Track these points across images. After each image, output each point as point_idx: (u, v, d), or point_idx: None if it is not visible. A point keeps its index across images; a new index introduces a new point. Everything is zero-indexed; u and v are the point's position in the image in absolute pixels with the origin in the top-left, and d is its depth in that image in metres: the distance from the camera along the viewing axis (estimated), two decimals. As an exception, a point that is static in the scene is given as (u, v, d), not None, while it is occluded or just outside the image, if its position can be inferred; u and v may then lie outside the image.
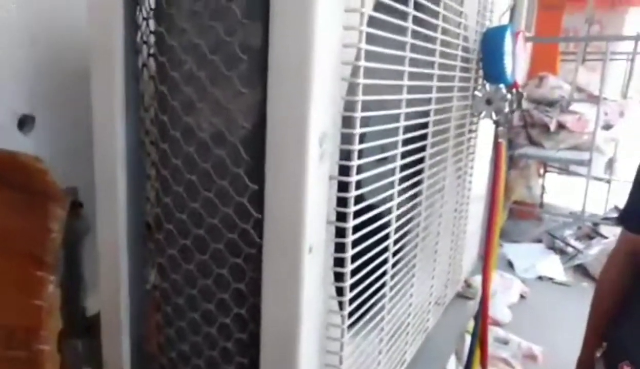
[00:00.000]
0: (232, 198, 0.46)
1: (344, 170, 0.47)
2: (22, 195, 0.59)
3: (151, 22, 0.53)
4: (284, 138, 0.42)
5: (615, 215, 3.94)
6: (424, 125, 0.66)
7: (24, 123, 0.72)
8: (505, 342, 2.41)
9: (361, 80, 0.44)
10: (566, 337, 2.59)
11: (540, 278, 3.34)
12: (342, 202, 0.47)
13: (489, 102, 0.82)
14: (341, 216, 0.48)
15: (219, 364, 0.52)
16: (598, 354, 0.87)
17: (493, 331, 2.44)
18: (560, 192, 4.80)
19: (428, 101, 0.64)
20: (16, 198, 0.59)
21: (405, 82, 0.54)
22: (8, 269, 0.62)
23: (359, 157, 0.47)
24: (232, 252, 0.48)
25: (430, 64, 0.62)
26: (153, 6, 0.52)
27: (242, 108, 0.44)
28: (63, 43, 0.78)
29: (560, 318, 2.79)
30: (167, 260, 0.53)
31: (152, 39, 0.53)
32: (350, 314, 0.52)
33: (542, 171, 4.39)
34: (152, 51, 0.53)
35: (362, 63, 0.44)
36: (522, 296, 3.04)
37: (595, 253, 3.50)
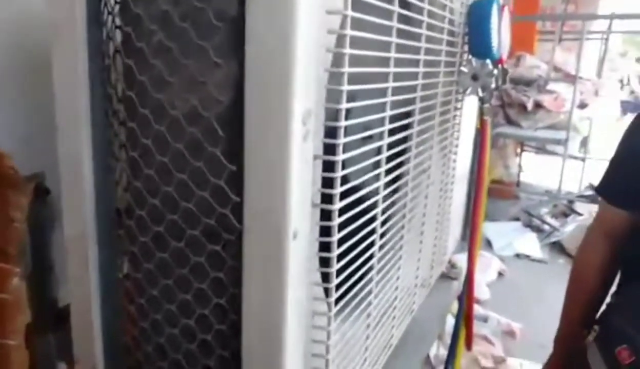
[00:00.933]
0: (208, 180, 0.43)
1: (329, 149, 0.44)
2: (-22, 181, 0.54)
3: (115, -11, 0.48)
4: (264, 115, 0.39)
5: (590, 192, 4.02)
6: (410, 102, 0.63)
7: (-19, 103, 0.67)
8: (484, 319, 2.44)
9: (347, 51, 0.41)
10: (544, 313, 2.63)
11: (517, 255, 3.39)
12: (327, 183, 0.44)
13: (475, 77, 0.79)
14: (327, 198, 0.45)
15: (199, 357, 0.49)
16: (591, 339, 0.86)
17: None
18: (536, 171, 4.87)
19: (415, 76, 0.61)
20: (-29, 185, 0.54)
21: (393, 54, 0.51)
22: (-34, 261, 0.57)
23: (345, 135, 0.44)
24: (209, 239, 0.45)
25: (418, 37, 0.59)
26: (117, -29, 0.48)
27: (218, 82, 0.41)
28: (22, 25, 0.72)
29: (537, 295, 2.84)
30: (140, 248, 0.49)
31: (117, 8, 0.49)
32: (337, 300, 0.49)
33: (518, 150, 4.44)
34: (117, 22, 0.49)
35: (349, 31, 0.41)
36: (500, 274, 3.08)
37: (571, 230, 3.57)
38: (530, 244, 3.48)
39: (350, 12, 0.40)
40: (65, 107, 0.50)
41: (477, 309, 2.51)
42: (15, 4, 0.71)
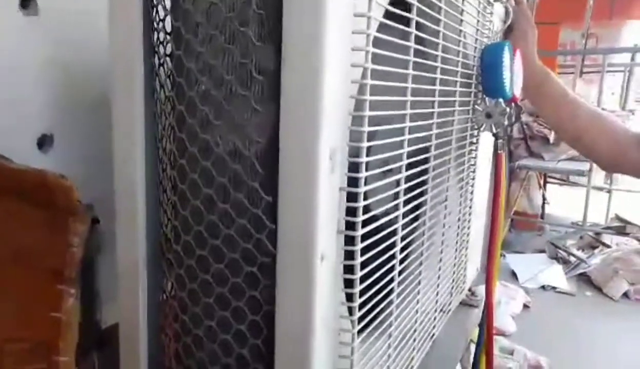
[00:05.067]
0: (247, 209, 0.49)
1: (352, 182, 0.50)
2: (46, 211, 0.62)
3: (168, 46, 0.56)
4: (296, 153, 0.45)
5: (616, 224, 3.96)
6: (427, 139, 0.68)
7: (43, 142, 0.75)
8: (510, 352, 2.42)
9: (368, 97, 0.47)
10: (571, 347, 2.60)
11: (543, 287, 3.35)
12: (351, 212, 0.50)
13: (488, 115, 0.85)
14: (350, 226, 0.50)
15: (235, 370, 0.54)
16: None
17: (498, 341, 2.45)
18: (561, 203, 4.82)
19: (431, 115, 0.67)
20: (39, 215, 0.62)
21: (409, 97, 0.57)
22: (30, 283, 0.64)
23: (366, 169, 0.50)
24: (247, 261, 0.51)
25: (432, 81, 0.66)
26: (169, 30, 0.56)
27: (257, 125, 0.47)
28: (79, 64, 0.81)
29: (564, 328, 2.80)
30: (185, 270, 0.55)
31: (169, 61, 0.57)
32: (360, 319, 0.54)
33: (542, 182, 4.42)
34: (169, 73, 0.56)
35: (369, 81, 0.47)
36: (525, 306, 3.05)
37: (598, 262, 3.52)
38: (556, 276, 3.44)
39: (370, 65, 0.47)
40: (123, 145, 0.57)
41: (503, 341, 2.49)
42: (74, 43, 0.80)
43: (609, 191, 4.41)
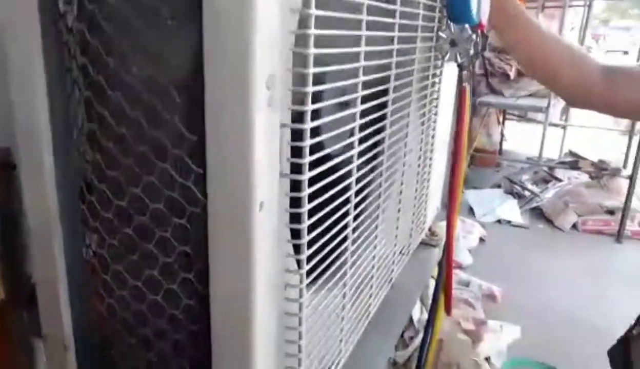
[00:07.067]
0: (167, 150, 0.41)
1: (298, 116, 0.42)
2: None
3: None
4: (224, 80, 0.37)
5: (569, 159, 4.07)
6: (385, 68, 0.61)
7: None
8: (466, 284, 2.49)
9: (313, 11, 0.39)
10: (524, 277, 2.70)
11: (499, 221, 3.45)
12: (296, 152, 0.43)
13: (453, 43, 0.77)
14: (296, 168, 0.43)
15: (168, 332, 0.48)
16: (635, 333, 0.85)
17: (455, 274, 2.52)
18: (518, 139, 4.91)
19: (390, 40, 0.59)
20: None
21: (365, 16, 0.48)
22: None
23: (317, 101, 0.42)
24: (173, 212, 0.43)
25: (393, 1, 0.57)
26: None
27: (174, 45, 0.38)
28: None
29: (518, 259, 2.91)
30: (102, 223, 0.47)
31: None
32: (310, 271, 0.48)
33: (501, 119, 4.46)
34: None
35: (314, -10, 0.38)
36: (481, 240, 3.13)
37: (551, 196, 3.63)
38: (511, 210, 3.53)
39: (315, -30, 0.38)
40: (20, 78, 0.46)
41: (459, 274, 2.56)
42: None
43: (564, 128, 4.50)
